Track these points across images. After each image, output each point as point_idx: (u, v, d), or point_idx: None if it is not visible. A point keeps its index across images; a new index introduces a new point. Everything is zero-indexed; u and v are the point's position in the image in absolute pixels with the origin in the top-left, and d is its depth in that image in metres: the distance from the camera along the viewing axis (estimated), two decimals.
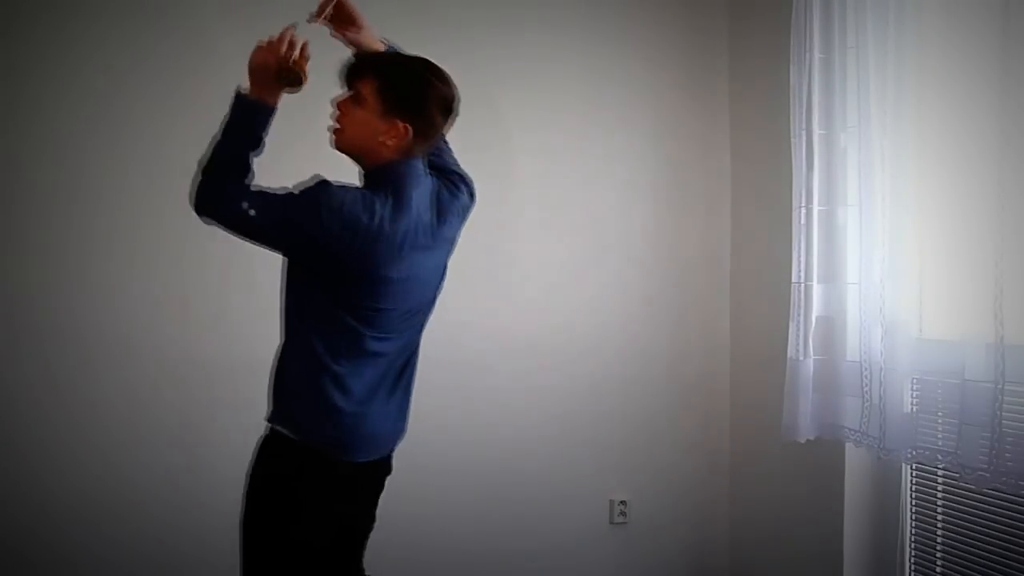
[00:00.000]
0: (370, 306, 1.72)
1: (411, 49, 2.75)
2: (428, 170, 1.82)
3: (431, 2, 2.78)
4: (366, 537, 1.96)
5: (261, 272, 2.61)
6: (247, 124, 1.75)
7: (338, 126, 1.77)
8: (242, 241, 2.59)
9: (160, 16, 2.54)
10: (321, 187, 1.68)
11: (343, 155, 1.77)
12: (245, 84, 1.75)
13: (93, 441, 2.49)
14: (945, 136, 2.14)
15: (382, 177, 1.73)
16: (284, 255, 1.76)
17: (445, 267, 1.88)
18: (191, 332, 2.57)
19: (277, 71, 1.72)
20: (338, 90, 1.78)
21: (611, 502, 2.98)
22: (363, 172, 1.77)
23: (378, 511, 2.76)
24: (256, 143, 1.76)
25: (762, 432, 2.77)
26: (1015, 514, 2.10)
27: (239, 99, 1.75)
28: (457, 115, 1.80)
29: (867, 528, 2.52)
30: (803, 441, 2.42)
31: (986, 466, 1.91)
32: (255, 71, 1.74)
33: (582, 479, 2.92)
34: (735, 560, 3.07)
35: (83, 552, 2.47)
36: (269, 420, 1.75)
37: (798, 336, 2.42)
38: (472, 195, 1.92)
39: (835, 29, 2.35)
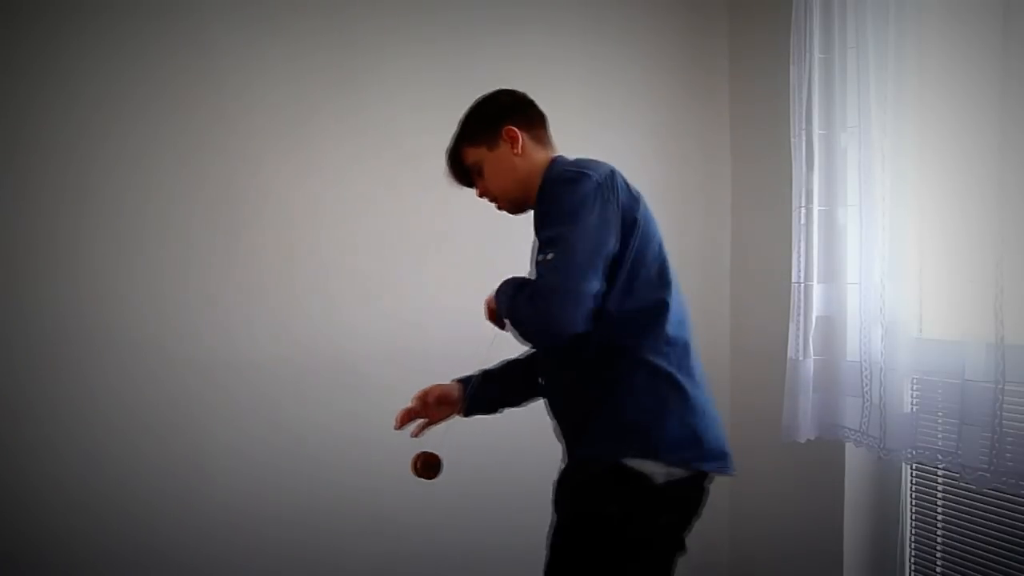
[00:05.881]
0: None
1: (412, 49, 2.78)
2: None
3: (431, 2, 2.78)
4: None
5: (263, 272, 2.63)
6: None
7: (494, 198, 1.87)
8: (243, 241, 2.61)
9: (157, 16, 2.53)
10: None
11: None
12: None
13: (98, 439, 2.49)
14: (945, 136, 2.14)
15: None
16: None
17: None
18: (196, 330, 2.57)
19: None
20: None
21: None
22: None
23: (377, 510, 2.78)
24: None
25: (762, 432, 2.77)
26: (1015, 514, 2.10)
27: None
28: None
29: (867, 528, 2.52)
30: (803, 441, 2.42)
31: (986, 466, 1.91)
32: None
33: None
34: (735, 560, 3.07)
35: (87, 547, 2.47)
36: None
37: (798, 336, 2.42)
38: None
39: (835, 29, 2.35)
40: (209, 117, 2.58)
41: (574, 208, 1.63)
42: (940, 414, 2.16)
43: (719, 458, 1.73)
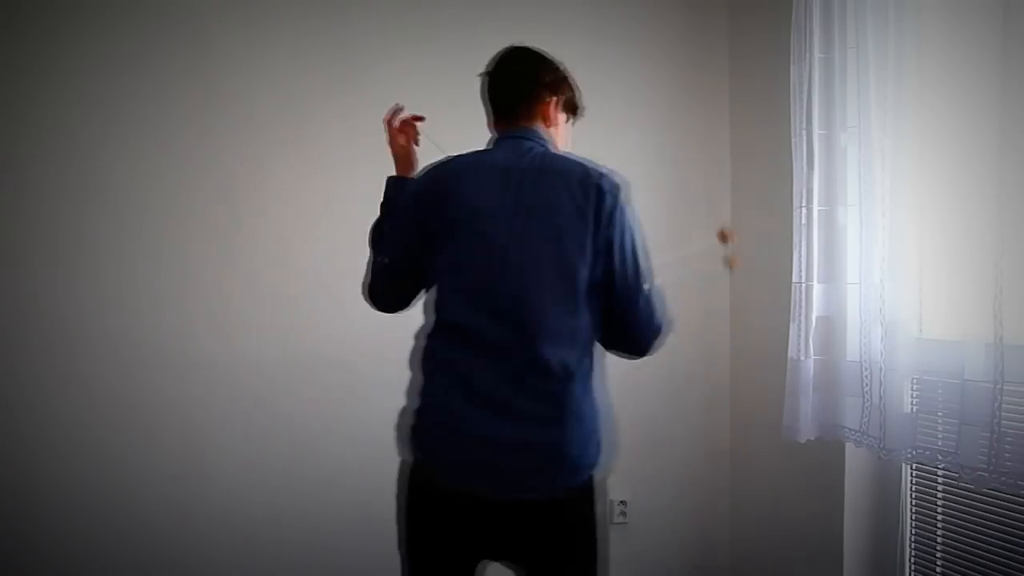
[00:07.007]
0: None
1: (413, 48, 2.78)
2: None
3: (431, 2, 2.79)
4: None
5: (263, 272, 2.63)
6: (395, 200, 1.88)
7: None
8: (243, 241, 2.61)
9: (157, 16, 2.53)
10: None
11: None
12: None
13: (97, 439, 2.49)
14: (945, 136, 2.14)
15: None
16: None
17: None
18: (195, 331, 2.57)
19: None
20: None
21: (611, 502, 2.98)
22: None
23: (377, 510, 2.76)
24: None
25: (762, 432, 2.77)
26: (1015, 514, 2.10)
27: (392, 181, 1.93)
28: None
29: (867, 528, 2.52)
30: (803, 441, 2.42)
31: (986, 466, 1.91)
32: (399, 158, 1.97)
33: None
34: (735, 560, 3.07)
35: (87, 547, 2.47)
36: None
37: (798, 336, 2.42)
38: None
39: (835, 29, 2.35)
40: (209, 117, 2.58)
41: None
42: (940, 414, 2.16)
43: (452, 471, 1.66)
